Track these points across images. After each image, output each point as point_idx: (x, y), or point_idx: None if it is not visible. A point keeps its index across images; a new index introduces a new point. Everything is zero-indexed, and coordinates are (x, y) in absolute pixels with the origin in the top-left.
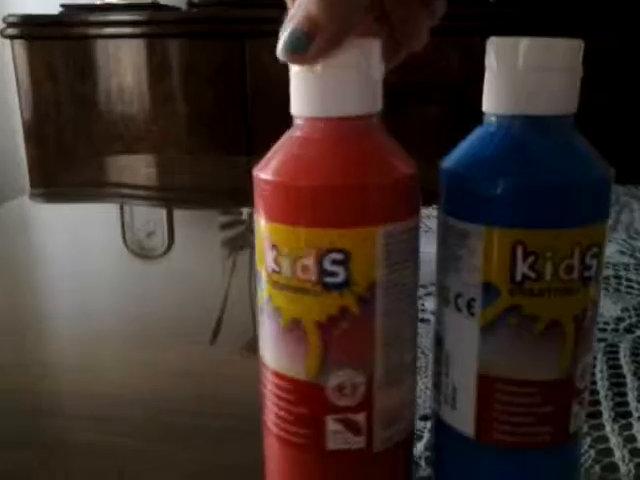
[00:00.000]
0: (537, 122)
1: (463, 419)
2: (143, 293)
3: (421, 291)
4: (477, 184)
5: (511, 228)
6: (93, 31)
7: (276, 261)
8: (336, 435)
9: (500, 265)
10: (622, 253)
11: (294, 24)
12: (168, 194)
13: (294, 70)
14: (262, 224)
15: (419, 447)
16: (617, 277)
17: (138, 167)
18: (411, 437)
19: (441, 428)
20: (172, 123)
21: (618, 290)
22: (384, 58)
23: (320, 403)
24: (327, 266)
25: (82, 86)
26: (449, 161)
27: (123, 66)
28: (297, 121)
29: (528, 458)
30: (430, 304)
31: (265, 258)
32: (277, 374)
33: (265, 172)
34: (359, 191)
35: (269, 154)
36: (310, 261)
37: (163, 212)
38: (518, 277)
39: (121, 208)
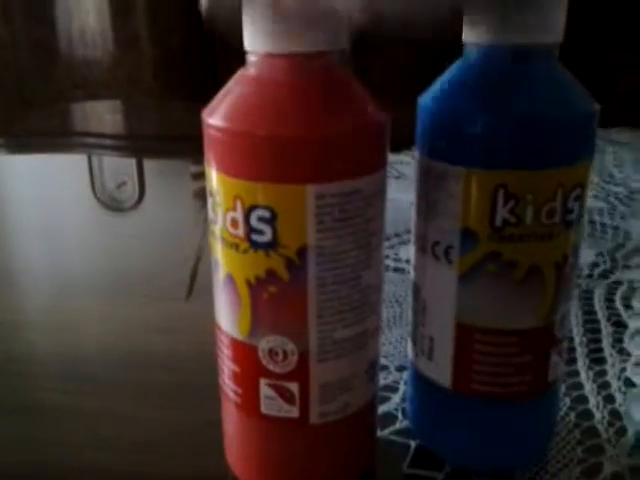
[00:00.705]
0: (521, 52)
1: (440, 370)
2: (115, 246)
3: (395, 240)
4: (456, 122)
5: (492, 170)
6: None
7: (213, 210)
8: (269, 400)
9: (479, 210)
10: (596, 197)
11: None
12: (137, 143)
13: None
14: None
15: (395, 399)
16: (591, 222)
17: (104, 114)
18: (366, 410)
19: (418, 380)
20: (138, 67)
21: (592, 235)
22: None
23: (253, 365)
24: (254, 223)
25: (40, 29)
26: (426, 97)
27: (84, 6)
28: (251, 58)
29: (506, 408)
30: (404, 253)
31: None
32: (220, 329)
33: (226, 120)
34: (288, 143)
35: (219, 97)
36: (238, 215)
37: (133, 162)
38: (498, 222)
39: (89, 158)
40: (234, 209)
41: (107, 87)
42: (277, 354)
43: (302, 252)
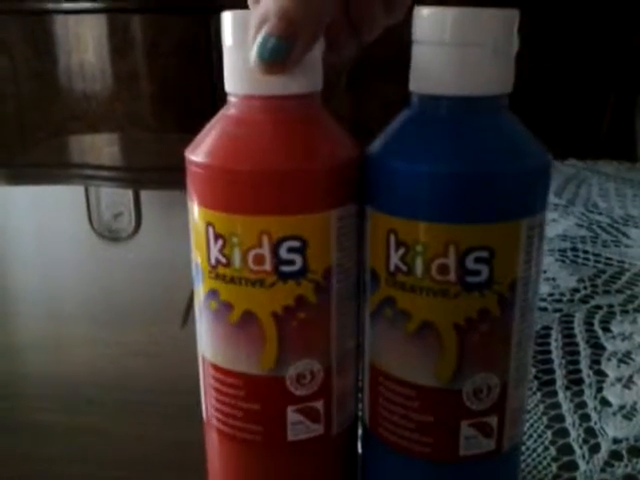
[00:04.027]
0: (454, 103)
1: (363, 405)
2: (111, 275)
3: None
4: (368, 166)
5: (385, 214)
6: (51, 5)
7: (223, 252)
8: (296, 426)
9: (379, 252)
10: (580, 226)
11: (268, 30)
12: (134, 174)
13: (227, 45)
14: (204, 212)
15: None
16: (574, 249)
17: (102, 146)
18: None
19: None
20: (136, 101)
21: (575, 262)
22: (337, 42)
23: (278, 396)
24: (283, 255)
25: (41, 63)
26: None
27: (84, 42)
28: (231, 99)
29: (413, 465)
30: None
31: (208, 250)
32: (226, 371)
33: (208, 157)
34: (314, 175)
35: (201, 135)
36: (265, 250)
37: (129, 193)
38: (392, 267)
39: (86, 190)
40: (259, 246)
41: (105, 121)
42: (304, 377)
43: (327, 274)
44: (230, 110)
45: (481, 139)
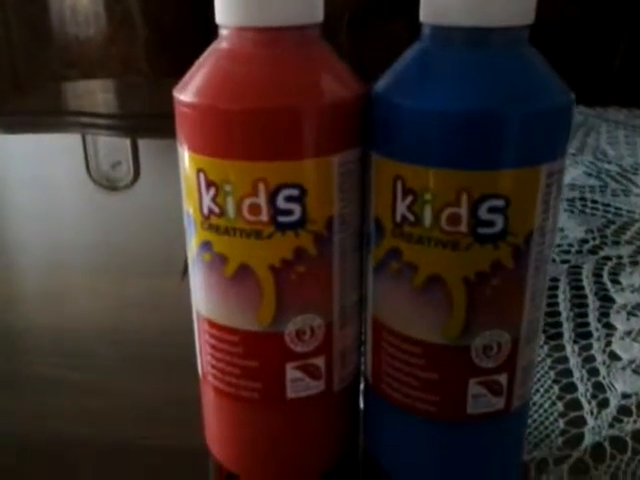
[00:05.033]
0: (469, 34)
1: (366, 360)
2: (110, 225)
3: None
4: (374, 105)
5: (391, 159)
6: None
7: (216, 201)
8: (296, 383)
9: (385, 201)
10: (588, 175)
11: None
12: (131, 122)
13: None
14: (194, 158)
15: None
16: (582, 199)
17: (97, 93)
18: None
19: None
20: (131, 46)
21: (583, 212)
22: None
23: (277, 352)
24: (281, 204)
25: (32, 6)
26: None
27: None
28: (223, 31)
29: (418, 424)
30: None
31: (200, 199)
32: (222, 327)
33: (197, 95)
34: (314, 115)
35: (191, 72)
36: (260, 199)
37: (127, 142)
38: (398, 217)
39: (83, 138)
40: (254, 194)
41: (100, 66)
42: (304, 333)
43: (329, 224)
44: (221, 44)
45: (498, 75)
